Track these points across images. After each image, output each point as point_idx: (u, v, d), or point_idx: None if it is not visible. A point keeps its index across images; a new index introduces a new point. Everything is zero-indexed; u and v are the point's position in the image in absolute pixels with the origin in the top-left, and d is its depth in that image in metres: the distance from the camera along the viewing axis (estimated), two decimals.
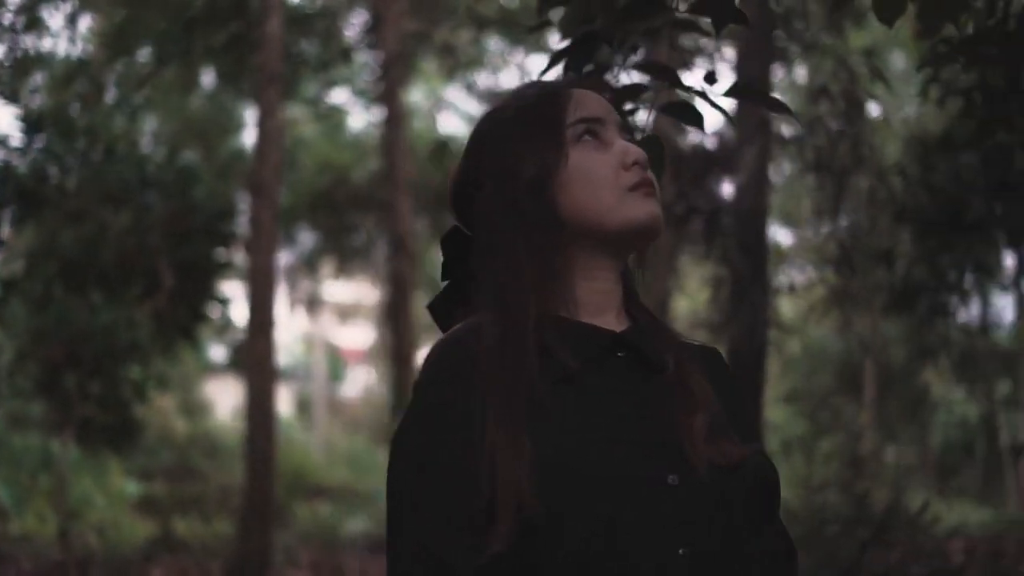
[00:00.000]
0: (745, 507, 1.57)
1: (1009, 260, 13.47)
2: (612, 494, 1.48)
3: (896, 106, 13.88)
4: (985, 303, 17.83)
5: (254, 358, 8.25)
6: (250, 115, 15.04)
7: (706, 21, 3.07)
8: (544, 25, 3.24)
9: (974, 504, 17.00)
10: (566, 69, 2.92)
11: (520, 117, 1.75)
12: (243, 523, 8.14)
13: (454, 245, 1.81)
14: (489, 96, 18.28)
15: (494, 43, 16.71)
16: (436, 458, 1.53)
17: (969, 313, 15.91)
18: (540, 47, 16.52)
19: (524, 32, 14.07)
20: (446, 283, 1.84)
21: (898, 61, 15.55)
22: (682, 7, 2.96)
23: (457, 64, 16.44)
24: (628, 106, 2.93)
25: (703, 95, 2.66)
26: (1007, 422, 19.73)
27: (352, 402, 29.27)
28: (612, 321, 1.70)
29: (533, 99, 1.77)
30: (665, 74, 2.87)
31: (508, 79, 18.55)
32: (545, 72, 2.94)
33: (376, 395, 29.34)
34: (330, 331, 30.08)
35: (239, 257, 13.13)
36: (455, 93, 19.76)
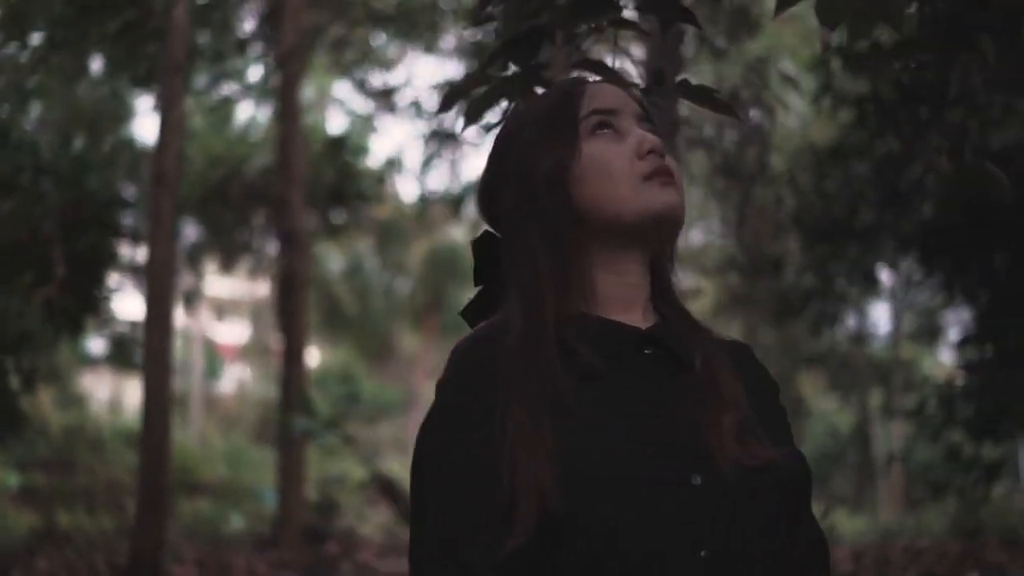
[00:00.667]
0: (773, 509, 1.54)
1: (885, 273, 13.75)
2: (633, 493, 1.46)
3: (784, 116, 14.13)
4: (863, 313, 18.24)
5: (151, 352, 8.13)
6: (141, 104, 14.82)
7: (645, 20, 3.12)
8: (486, 20, 3.21)
9: (847, 512, 17.34)
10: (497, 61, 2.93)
11: (537, 115, 1.75)
12: (137, 517, 8.03)
13: (485, 250, 1.80)
14: (378, 93, 18.23)
15: (385, 40, 16.67)
16: (455, 457, 1.53)
17: (845, 323, 16.25)
18: (432, 47, 16.54)
19: (426, 30, 14.11)
20: (478, 288, 1.83)
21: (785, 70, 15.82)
22: (630, 5, 3.00)
23: (349, 60, 16.38)
24: None
25: (648, 92, 2.63)
26: (880, 431, 20.20)
27: (227, 398, 29.00)
28: (639, 317, 1.68)
29: (549, 97, 1.77)
30: (606, 72, 2.88)
31: (398, 77, 18.54)
32: (487, 67, 2.96)
33: (252, 392, 29.12)
34: (207, 327, 29.76)
35: (126, 249, 12.93)
36: (345, 90, 19.70)
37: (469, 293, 1.84)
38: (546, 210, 1.67)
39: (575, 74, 2.98)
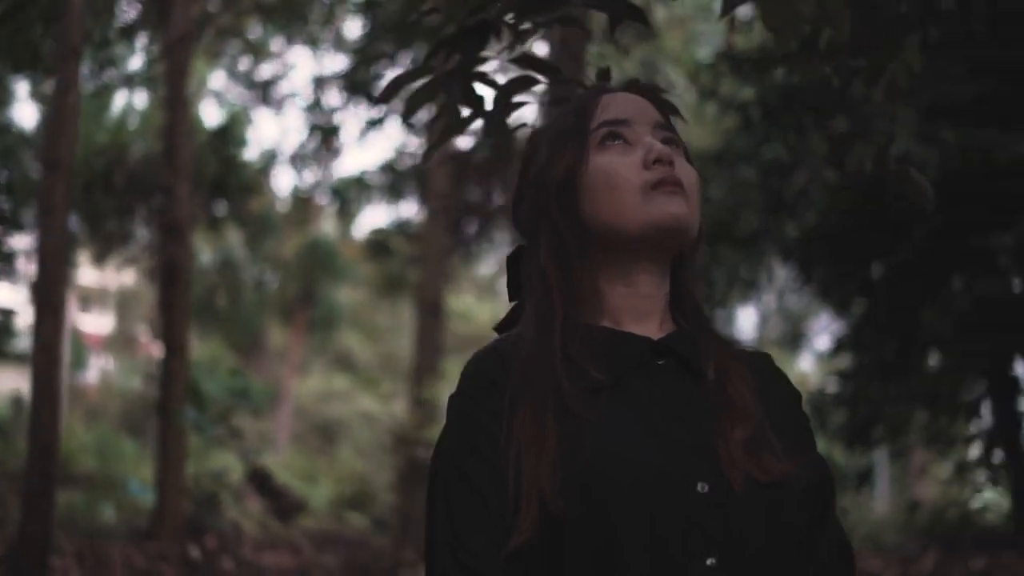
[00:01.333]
0: (789, 521, 1.54)
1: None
2: (637, 498, 1.49)
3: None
4: (730, 318, 18.49)
5: (42, 341, 7.98)
6: (21, 90, 14.50)
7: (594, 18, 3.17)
8: (431, 12, 3.20)
9: None
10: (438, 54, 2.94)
11: (553, 127, 1.78)
12: (24, 509, 7.87)
13: (518, 264, 1.81)
14: (257, 85, 18.09)
15: (266, 32, 16.56)
16: (463, 462, 1.57)
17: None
18: (315, 40, 16.47)
19: (320, 23, 14.02)
20: (513, 303, 1.84)
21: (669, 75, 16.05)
22: (578, 1, 2.99)
23: (231, 51, 16.24)
24: (518, 99, 2.95)
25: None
26: None
27: (92, 389, 28.50)
28: (655, 326, 1.69)
29: (568, 110, 1.79)
30: (546, 69, 2.92)
31: (278, 69, 18.41)
32: (430, 59, 2.94)
33: (117, 382, 28.63)
34: (73, 316, 29.19)
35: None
36: (221, 81, 19.52)
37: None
38: (556, 223, 1.70)
39: (516, 71, 3.02)
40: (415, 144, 17.29)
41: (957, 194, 9.00)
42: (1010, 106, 9.23)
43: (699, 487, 1.51)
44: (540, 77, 2.95)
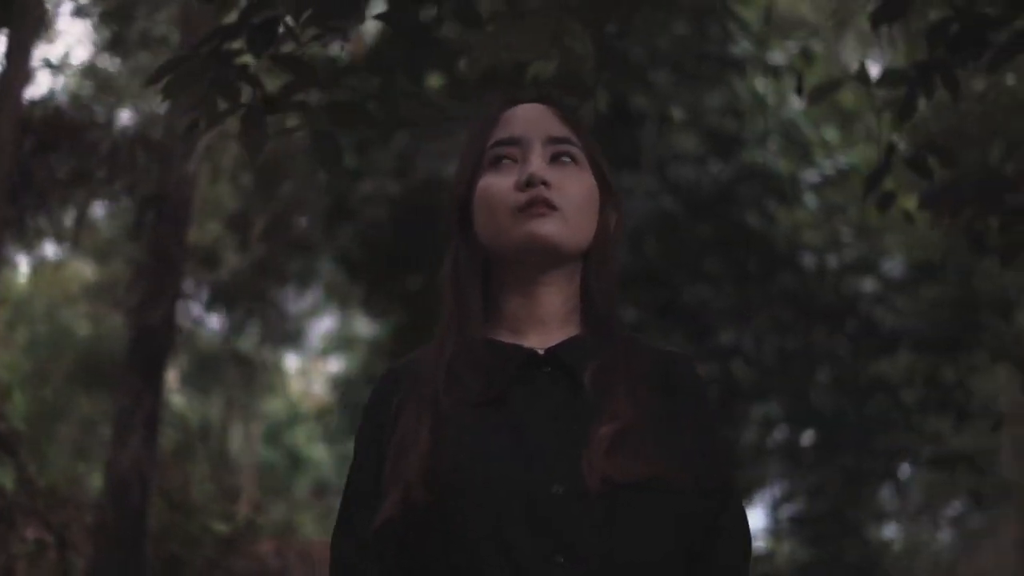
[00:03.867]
0: (651, 523, 1.60)
1: None
2: (486, 497, 1.58)
3: None
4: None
5: None
6: None
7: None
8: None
9: None
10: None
11: (465, 142, 1.86)
12: None
13: None
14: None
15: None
16: (359, 455, 1.76)
17: None
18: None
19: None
20: None
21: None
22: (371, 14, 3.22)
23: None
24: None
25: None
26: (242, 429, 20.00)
27: None
28: (555, 335, 1.74)
29: (475, 126, 1.86)
30: (301, 70, 3.09)
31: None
32: (200, 48, 3.03)
33: None
34: None
35: None
36: None
37: None
38: (455, 240, 1.79)
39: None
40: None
41: None
42: None
43: (554, 489, 1.58)
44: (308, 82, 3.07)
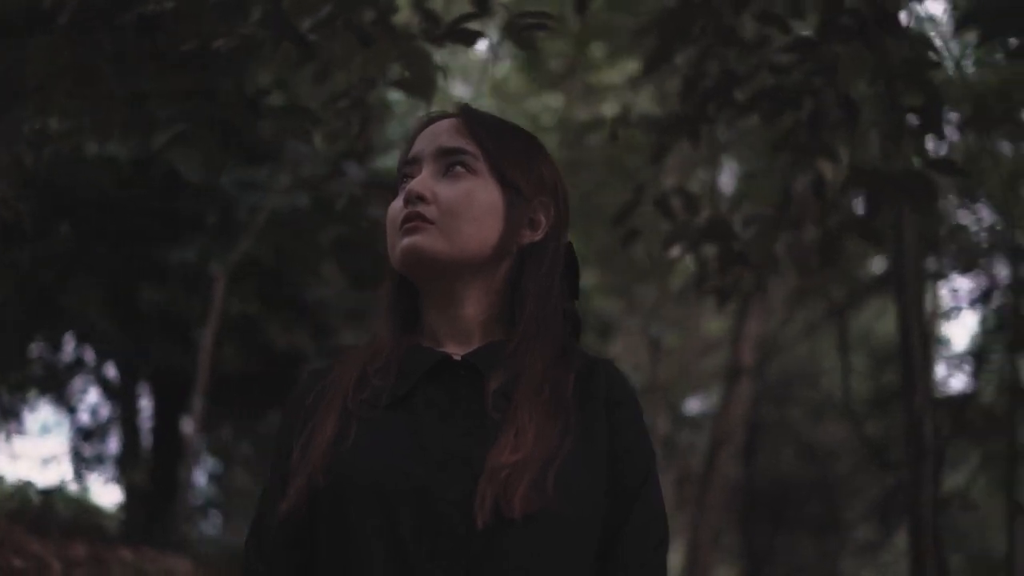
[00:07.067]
0: (536, 553, 1.60)
1: None
2: (383, 493, 1.61)
3: None
4: None
5: None
6: None
7: None
8: None
9: None
10: None
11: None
12: None
13: None
14: None
15: None
16: (277, 450, 1.80)
17: None
18: None
19: None
20: None
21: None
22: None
23: None
24: None
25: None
26: None
27: None
28: (473, 343, 1.76)
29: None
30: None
31: None
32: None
33: None
34: None
35: None
36: None
37: None
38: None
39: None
40: None
41: (134, 209, 9.82)
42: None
43: (448, 495, 1.59)
44: None
